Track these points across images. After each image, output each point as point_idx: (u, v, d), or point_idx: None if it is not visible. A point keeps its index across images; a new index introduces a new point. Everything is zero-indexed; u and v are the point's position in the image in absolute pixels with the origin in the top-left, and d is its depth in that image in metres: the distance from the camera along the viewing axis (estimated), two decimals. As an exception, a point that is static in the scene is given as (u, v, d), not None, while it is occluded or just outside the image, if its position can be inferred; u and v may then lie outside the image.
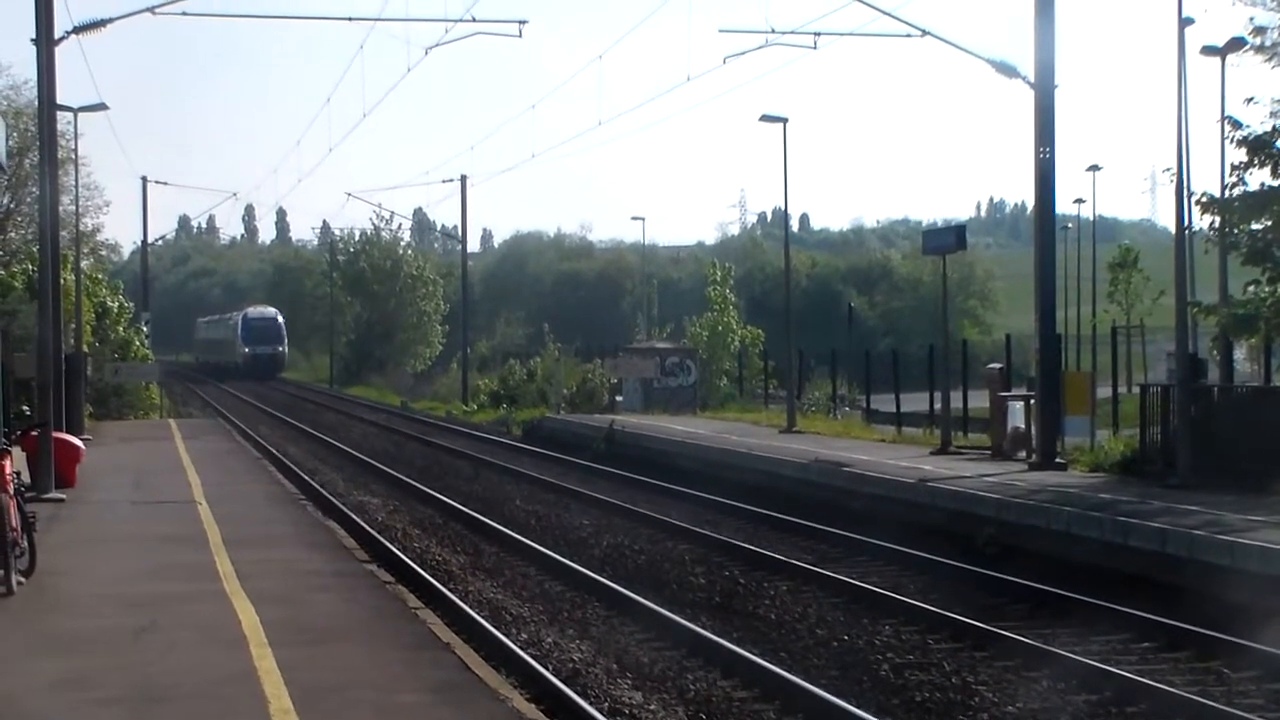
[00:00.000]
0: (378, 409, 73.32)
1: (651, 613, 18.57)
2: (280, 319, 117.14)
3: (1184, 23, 27.32)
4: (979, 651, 16.57)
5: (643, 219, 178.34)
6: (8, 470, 17.96)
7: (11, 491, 17.92)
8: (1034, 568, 21.24)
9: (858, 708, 13.72)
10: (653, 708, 14.43)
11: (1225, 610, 17.80)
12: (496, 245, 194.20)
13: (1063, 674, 15.31)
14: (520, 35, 39.10)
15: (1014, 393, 34.49)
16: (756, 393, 64.04)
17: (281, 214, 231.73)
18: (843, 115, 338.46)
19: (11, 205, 57.07)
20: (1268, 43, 28.94)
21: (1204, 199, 29.05)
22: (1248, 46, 29.04)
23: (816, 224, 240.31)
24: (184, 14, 35.53)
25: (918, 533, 24.80)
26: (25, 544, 18.08)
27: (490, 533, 26.70)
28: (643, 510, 29.33)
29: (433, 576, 21.09)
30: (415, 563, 22.28)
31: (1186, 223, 29.05)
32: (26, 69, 67.52)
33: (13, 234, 56.93)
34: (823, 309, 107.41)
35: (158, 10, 34.25)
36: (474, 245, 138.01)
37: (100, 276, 64.03)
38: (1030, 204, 33.68)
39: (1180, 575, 19.65)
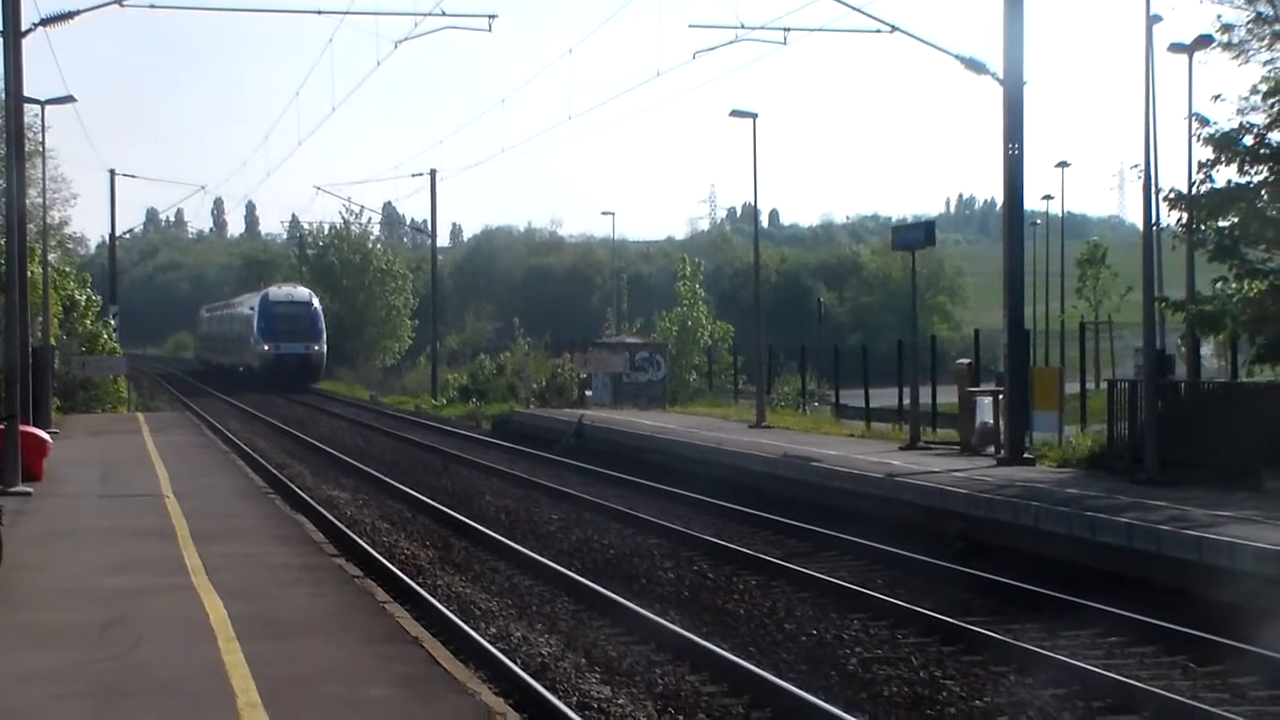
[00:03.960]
0: (347, 403, 73.33)
1: (620, 607, 18.63)
2: (316, 303, 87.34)
3: (1152, 20, 27.47)
4: (947, 646, 16.63)
5: (613, 214, 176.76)
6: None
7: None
8: (1002, 563, 21.39)
9: (826, 702, 13.76)
10: (621, 701, 14.45)
11: (1193, 605, 17.95)
12: (466, 239, 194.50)
13: (1030, 668, 15.37)
14: (490, 29, 39.02)
15: (983, 388, 34.64)
16: (726, 388, 64.22)
17: (250, 207, 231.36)
18: (813, 111, 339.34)
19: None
20: (1235, 40, 29.08)
21: (1172, 196, 29.16)
22: (1215, 44, 29.22)
23: (786, 219, 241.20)
24: (153, 6, 35.57)
25: (886, 528, 24.86)
26: (-6, 539, 18.08)
27: (459, 527, 26.76)
28: (612, 505, 29.44)
29: (401, 571, 21.14)
30: (384, 557, 22.31)
31: (1154, 219, 29.19)
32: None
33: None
34: (792, 304, 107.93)
35: (125, 3, 34.18)
36: (444, 240, 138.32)
37: (68, 270, 63.69)
38: (999, 200, 33.77)
39: (1148, 570, 19.80)
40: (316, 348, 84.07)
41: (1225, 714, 13.30)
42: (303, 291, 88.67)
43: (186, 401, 70.98)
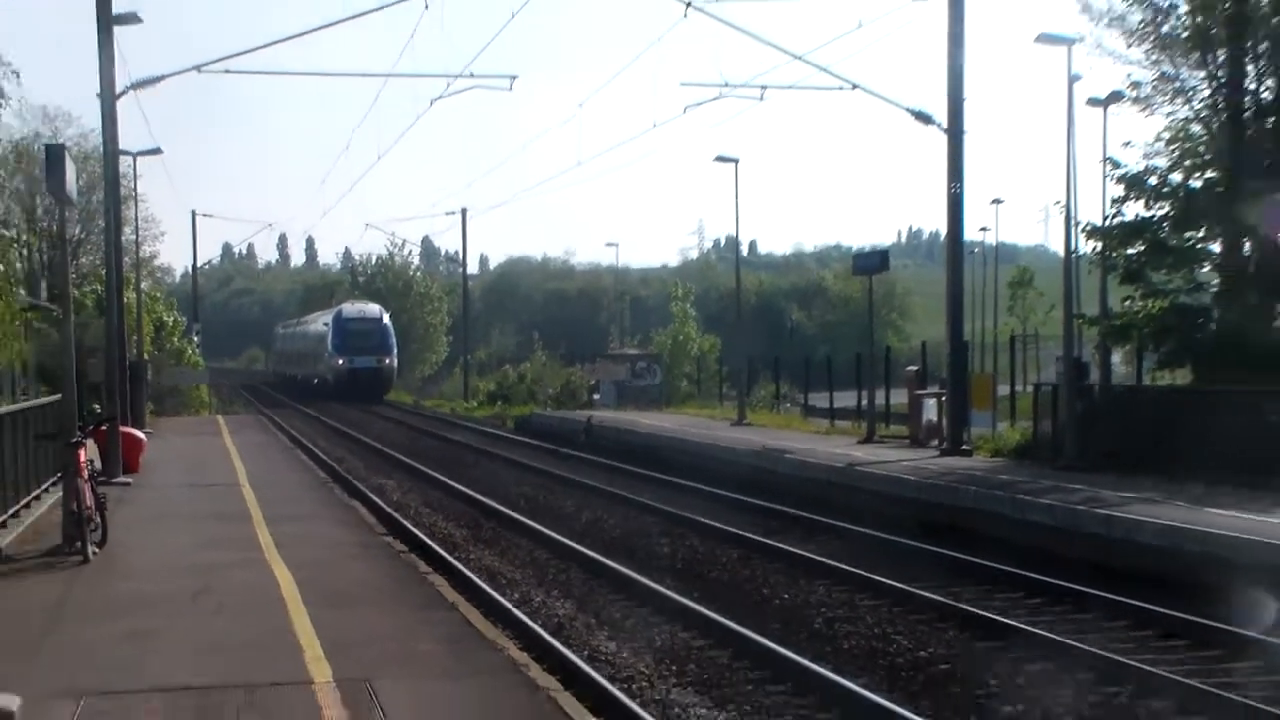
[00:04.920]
0: (394, 407, 73.01)
1: (624, 576, 18.70)
2: (387, 319, 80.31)
3: (1072, 79, 27.58)
4: (897, 608, 16.71)
5: (616, 245, 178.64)
6: (83, 459, 18.03)
7: (86, 476, 17.98)
8: (944, 537, 21.45)
9: (796, 654, 13.88)
10: (625, 655, 14.55)
11: (1102, 571, 18.10)
12: (492, 268, 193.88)
13: (968, 625, 15.55)
14: (511, 89, 39.14)
15: (928, 391, 34.70)
16: (712, 392, 64.28)
17: (310, 242, 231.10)
18: (786, 154, 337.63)
19: (82, 235, 57.06)
20: (1142, 95, 29.28)
21: (1088, 228, 29.33)
22: (1126, 99, 29.33)
23: (763, 249, 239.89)
24: (226, 71, 35.61)
25: (848, 509, 25.01)
26: (99, 520, 18.17)
27: (488, 510, 26.83)
28: (617, 491, 29.42)
29: (440, 547, 21.20)
30: (425, 535, 22.39)
31: (1073, 248, 29.32)
32: (93, 118, 67.59)
33: (83, 260, 56.93)
34: (768, 321, 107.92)
35: (203, 69, 34.33)
36: (473, 268, 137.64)
37: (157, 295, 63.99)
38: (943, 231, 33.89)
39: (1066, 542, 19.94)
40: (388, 361, 78.05)
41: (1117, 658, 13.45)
42: (374, 308, 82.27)
43: (259, 407, 70.83)
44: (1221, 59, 28.41)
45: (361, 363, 74.93)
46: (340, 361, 75.48)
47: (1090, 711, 12.46)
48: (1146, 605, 16.10)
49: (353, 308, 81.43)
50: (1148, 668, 13.33)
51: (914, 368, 37.54)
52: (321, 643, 12.34)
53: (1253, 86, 28.26)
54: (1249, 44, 28.05)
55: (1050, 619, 16.13)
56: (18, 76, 32.09)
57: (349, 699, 10.37)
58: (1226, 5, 28.07)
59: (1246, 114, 28.13)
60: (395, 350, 79.46)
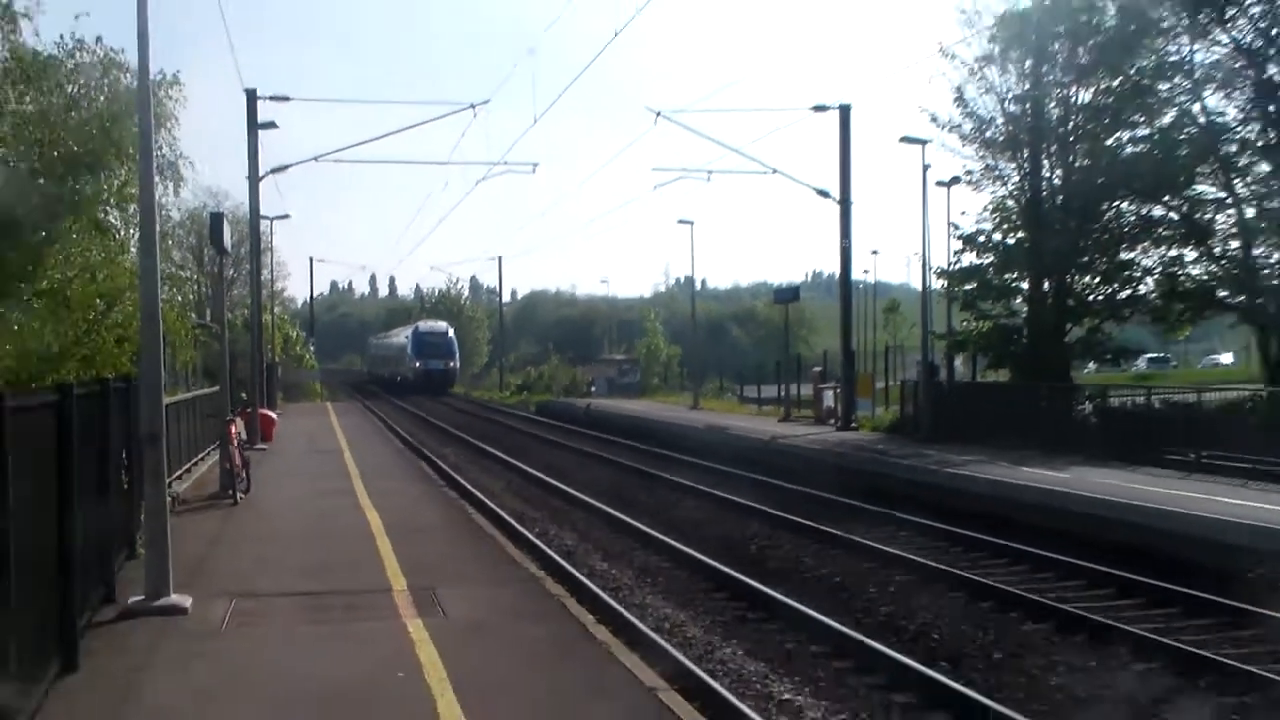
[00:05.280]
0: (453, 397, 72.74)
1: (612, 516, 18.69)
2: (452, 333, 76.64)
3: (925, 168, 27.77)
4: (805, 538, 16.66)
5: (607, 280, 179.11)
6: (233, 432, 18.05)
7: (237, 444, 18.06)
8: (838, 486, 21.21)
9: (736, 571, 13.82)
10: (614, 572, 14.59)
11: (947, 508, 18.09)
12: (519, 297, 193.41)
13: (854, 550, 15.54)
14: (534, 172, 39.17)
15: (827, 385, 34.83)
16: (675, 386, 64.23)
17: (392, 279, 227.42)
18: (728, 216, 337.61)
19: (233, 275, 56.83)
20: (973, 179, 29.40)
21: (938, 271, 29.53)
22: (962, 181, 29.51)
23: (711, 285, 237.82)
24: (335, 160, 35.55)
25: (769, 467, 24.93)
26: (244, 475, 18.21)
27: (516, 469, 26.75)
28: (606, 455, 29.34)
29: (483, 494, 21.16)
30: (472, 486, 22.32)
31: (927, 285, 29.44)
32: (242, 194, 67.47)
33: (234, 292, 56.79)
34: (715, 337, 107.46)
35: (319, 158, 34.34)
36: (506, 297, 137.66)
37: (285, 318, 63.93)
38: (837, 273, 33.90)
39: (925, 490, 19.97)
40: (452, 364, 74.15)
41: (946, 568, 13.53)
42: (442, 324, 78.48)
43: (357, 397, 70.50)
44: (1026, 155, 28.56)
45: (433, 365, 71.88)
46: (417, 364, 72.36)
47: (864, 572, 13.04)
48: (942, 524, 16.34)
49: (426, 324, 78.26)
50: (931, 562, 13.44)
51: (818, 368, 37.70)
52: (400, 561, 12.33)
53: (1047, 175, 28.44)
54: (1044, 146, 28.24)
55: (907, 544, 16.15)
56: (192, 165, 32.01)
57: (418, 601, 10.36)
58: (1028, 119, 28.23)
59: (1044, 194, 28.29)
60: (458, 355, 76.56)
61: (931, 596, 12.83)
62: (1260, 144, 24.48)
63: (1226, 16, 24.08)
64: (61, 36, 17.89)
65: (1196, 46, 25.11)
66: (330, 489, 19.40)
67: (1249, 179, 25.15)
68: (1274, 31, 23.82)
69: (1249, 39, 24.19)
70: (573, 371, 68.18)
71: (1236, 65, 24.37)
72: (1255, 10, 23.88)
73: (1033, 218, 27.95)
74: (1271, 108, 24.05)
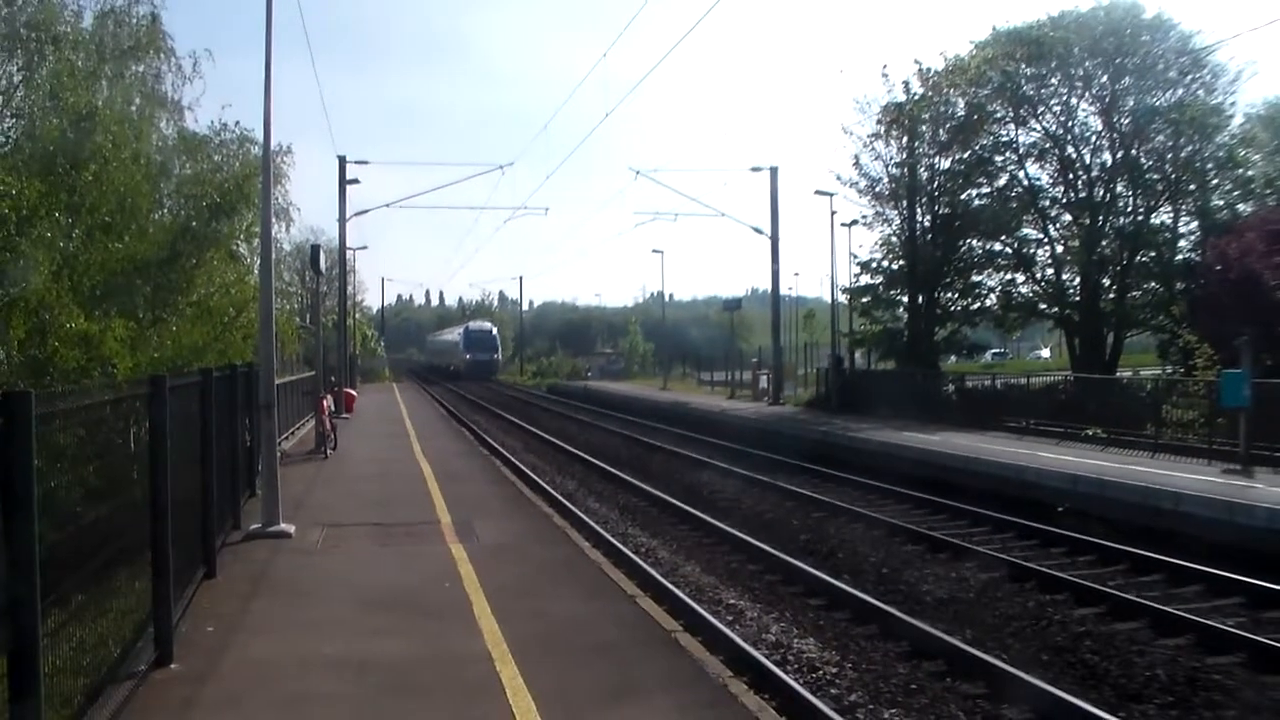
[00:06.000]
0: (490, 382, 72.22)
1: (603, 469, 18.53)
2: (495, 331, 71.44)
3: (833, 212, 27.87)
4: (754, 487, 16.13)
5: (600, 294, 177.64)
6: (325, 405, 18.01)
7: (327, 414, 17.99)
8: (770, 446, 20.90)
9: (696, 509, 13.77)
10: (603, 511, 14.50)
11: (854, 466, 17.92)
12: (535, 306, 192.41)
13: (782, 496, 15.39)
14: (546, 214, 39.08)
15: (762, 371, 34.81)
16: (650, 373, 63.97)
17: (442, 293, 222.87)
18: (690, 246, 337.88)
19: (326, 290, 56.26)
20: (867, 222, 29.36)
21: (844, 288, 29.51)
22: (859, 223, 29.52)
23: (678, 297, 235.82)
24: (402, 206, 35.43)
25: (719, 432, 24.79)
26: (334, 437, 18.09)
27: (530, 434, 26.48)
28: (598, 424, 29.09)
29: (506, 451, 21.01)
30: (500, 446, 22.09)
31: (836, 299, 29.49)
32: (334, 230, 66.52)
33: (327, 303, 56.18)
34: (679, 335, 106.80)
35: (390, 205, 34.39)
36: (525, 306, 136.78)
37: (363, 321, 63.19)
38: (769, 289, 33.92)
39: (835, 450, 19.80)
40: (496, 356, 69.21)
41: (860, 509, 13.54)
42: (488, 324, 74.04)
43: (417, 382, 69.98)
44: (904, 205, 28.59)
45: (480, 356, 66.92)
46: (467, 356, 67.42)
47: (788, 509, 13.26)
48: (846, 474, 16.26)
49: (475, 323, 73.98)
50: (839, 503, 13.47)
51: (755, 359, 37.74)
52: (445, 500, 12.30)
53: (920, 219, 28.49)
54: (917, 198, 28.28)
55: (830, 491, 16.01)
56: (299, 210, 31.88)
57: (459, 529, 10.39)
58: (905, 179, 28.31)
59: (917, 233, 28.34)
60: (500, 348, 71.27)
61: (837, 527, 12.90)
62: (1064, 200, 26.52)
63: (1038, 111, 26.32)
64: (212, 121, 18.32)
65: (1019, 131, 26.81)
66: (394, 446, 19.28)
67: (1058, 225, 27.05)
68: (1069, 123, 26.18)
69: (1054, 128, 26.37)
70: (574, 362, 68.11)
71: (1047, 145, 26.50)
72: (1056, 108, 26.27)
73: (910, 250, 28.04)
74: (1070, 175, 26.04)
